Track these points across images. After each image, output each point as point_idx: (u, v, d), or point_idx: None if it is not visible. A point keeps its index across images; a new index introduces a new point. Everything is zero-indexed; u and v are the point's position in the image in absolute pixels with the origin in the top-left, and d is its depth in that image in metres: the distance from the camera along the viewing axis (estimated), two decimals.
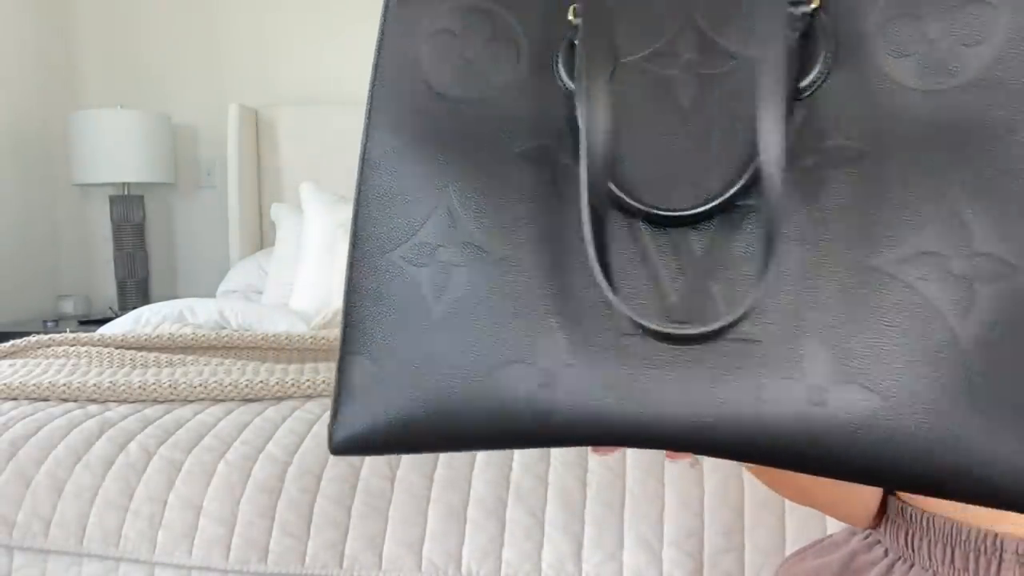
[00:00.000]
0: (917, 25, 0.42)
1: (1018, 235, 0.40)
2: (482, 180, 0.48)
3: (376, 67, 0.48)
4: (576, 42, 0.47)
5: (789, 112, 0.43)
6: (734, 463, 0.93)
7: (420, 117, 0.48)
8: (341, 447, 0.48)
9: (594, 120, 0.45)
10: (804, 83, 0.44)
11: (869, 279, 0.40)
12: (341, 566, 0.91)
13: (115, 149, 2.61)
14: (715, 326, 0.40)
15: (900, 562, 0.63)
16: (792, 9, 0.45)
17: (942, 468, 0.40)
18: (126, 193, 2.73)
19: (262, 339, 1.54)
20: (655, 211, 0.44)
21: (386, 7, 0.48)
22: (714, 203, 0.44)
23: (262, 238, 2.85)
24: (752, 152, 0.45)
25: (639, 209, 0.44)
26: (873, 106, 0.43)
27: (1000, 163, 0.40)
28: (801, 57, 0.45)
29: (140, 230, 2.74)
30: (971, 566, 0.58)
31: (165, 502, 0.96)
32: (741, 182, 0.44)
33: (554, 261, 0.45)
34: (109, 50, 2.93)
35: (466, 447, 0.48)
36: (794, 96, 0.44)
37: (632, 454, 0.96)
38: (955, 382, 0.39)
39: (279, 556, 0.92)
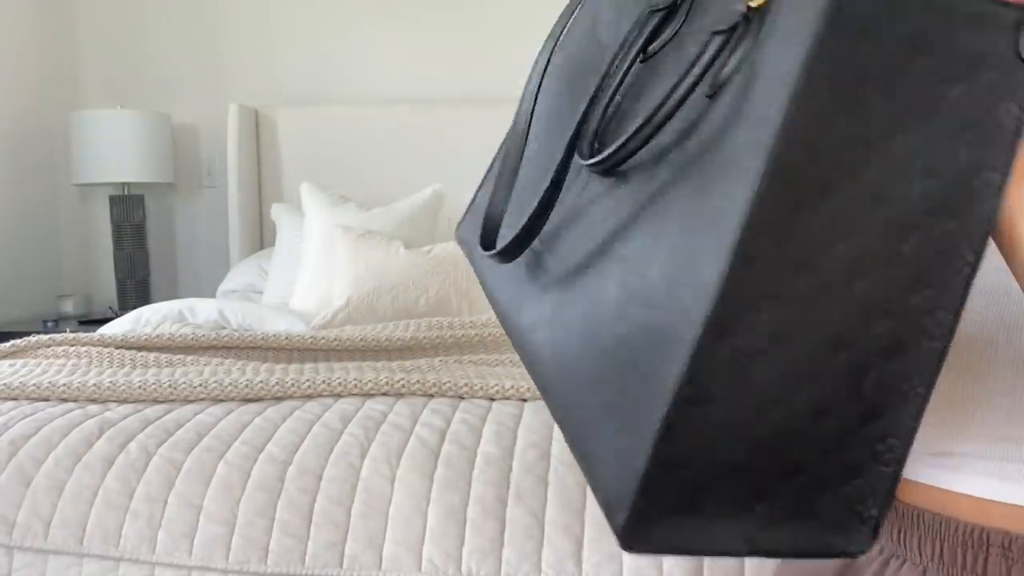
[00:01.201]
0: None
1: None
2: None
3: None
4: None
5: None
6: None
7: None
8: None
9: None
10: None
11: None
12: (341, 566, 0.91)
13: (115, 149, 2.61)
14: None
15: (894, 559, 0.64)
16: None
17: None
18: (126, 193, 2.73)
19: (262, 339, 1.54)
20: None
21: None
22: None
23: (262, 238, 2.85)
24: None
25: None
26: None
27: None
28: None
29: (140, 230, 2.74)
30: (959, 560, 0.59)
31: (165, 502, 0.96)
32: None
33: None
34: (109, 50, 2.93)
35: None
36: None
37: None
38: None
39: (279, 556, 0.92)
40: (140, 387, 1.17)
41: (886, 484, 0.43)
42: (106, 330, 1.90)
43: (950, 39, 0.39)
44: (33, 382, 1.21)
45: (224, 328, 1.94)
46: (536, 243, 0.54)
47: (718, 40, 0.44)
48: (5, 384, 1.20)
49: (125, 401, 1.17)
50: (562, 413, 0.47)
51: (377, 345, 1.55)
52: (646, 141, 0.46)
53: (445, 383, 1.18)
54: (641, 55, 0.51)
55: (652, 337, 0.42)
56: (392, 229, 2.30)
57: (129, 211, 2.71)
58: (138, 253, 2.73)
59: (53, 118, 2.88)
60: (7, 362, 1.43)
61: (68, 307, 2.77)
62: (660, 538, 0.41)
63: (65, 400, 1.18)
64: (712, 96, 0.45)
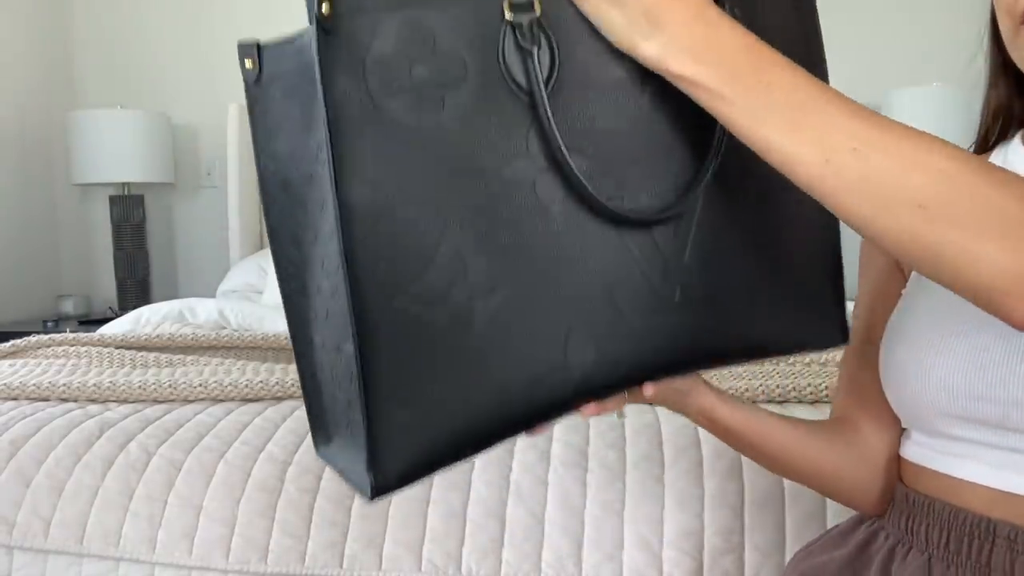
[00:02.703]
0: None
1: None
2: (480, 212, 0.48)
3: (328, 112, 0.45)
4: (519, 40, 0.48)
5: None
6: (732, 464, 0.94)
7: (395, 155, 0.46)
8: (383, 490, 0.49)
9: (554, 127, 0.49)
10: None
11: None
12: (341, 566, 0.91)
13: (115, 149, 2.60)
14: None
15: (900, 546, 0.64)
16: None
17: None
18: (126, 193, 2.73)
19: (262, 339, 1.54)
20: (630, 214, 0.51)
21: (316, 49, 0.45)
22: (675, 210, 0.52)
23: (262, 238, 2.85)
24: (701, 156, 0.53)
25: (613, 213, 0.51)
26: None
27: None
28: None
29: (140, 230, 2.74)
30: (964, 549, 0.59)
31: (165, 502, 0.96)
32: (692, 189, 0.52)
33: (561, 272, 0.51)
34: (109, 50, 2.93)
35: (503, 439, 0.52)
36: None
37: (631, 455, 0.96)
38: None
39: (279, 556, 0.92)
40: (140, 387, 1.18)
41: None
42: (106, 330, 1.90)
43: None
44: (33, 382, 1.21)
45: (224, 328, 1.94)
46: None
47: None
48: (5, 384, 1.20)
49: (125, 401, 1.17)
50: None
51: None
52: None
53: None
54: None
55: None
56: None
57: (129, 211, 2.71)
58: (138, 253, 2.73)
59: (52, 118, 2.87)
60: (7, 362, 1.43)
61: (68, 307, 2.77)
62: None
63: (65, 400, 1.18)
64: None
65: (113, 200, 2.71)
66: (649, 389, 0.57)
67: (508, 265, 0.49)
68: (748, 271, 0.56)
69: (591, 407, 0.55)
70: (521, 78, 0.49)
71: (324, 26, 0.45)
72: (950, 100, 2.29)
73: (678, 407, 0.66)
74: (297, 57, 0.48)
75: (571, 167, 0.49)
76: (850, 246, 0.64)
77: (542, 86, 0.48)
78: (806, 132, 0.44)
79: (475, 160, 0.48)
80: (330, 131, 0.45)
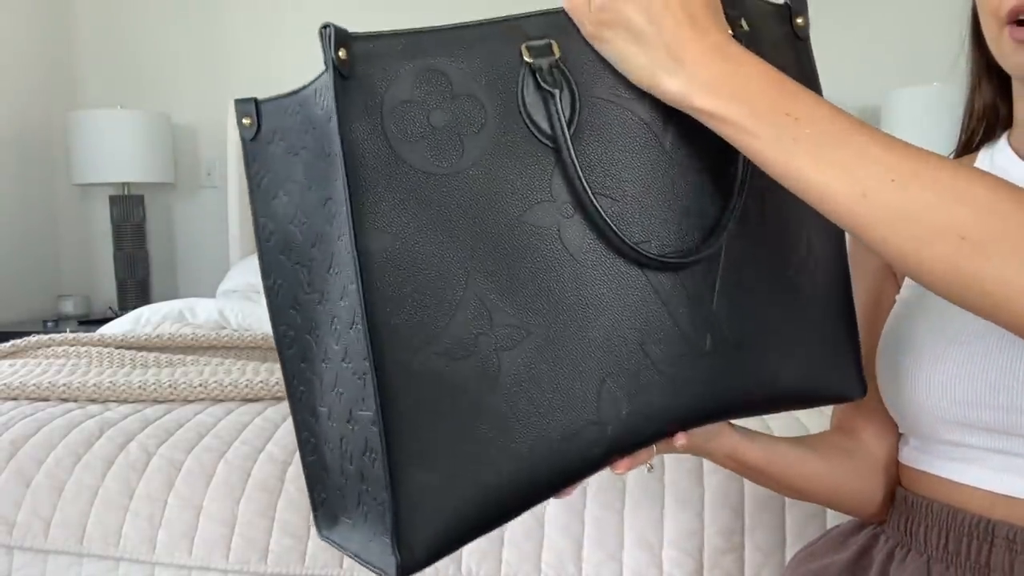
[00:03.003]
0: None
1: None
2: (505, 259, 0.47)
3: (346, 159, 0.44)
4: (540, 83, 0.47)
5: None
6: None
7: (415, 203, 0.45)
8: (410, 568, 0.44)
9: (579, 171, 0.48)
10: None
11: None
12: (341, 566, 0.91)
13: (115, 149, 2.60)
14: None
15: (899, 548, 0.64)
16: None
17: None
18: (126, 193, 2.72)
19: (262, 339, 1.54)
20: (659, 259, 0.50)
21: (334, 95, 0.45)
22: (703, 253, 0.51)
23: None
24: (725, 197, 0.52)
25: (642, 257, 0.49)
26: None
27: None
28: None
29: (140, 230, 2.74)
30: (963, 550, 0.59)
31: (165, 502, 0.96)
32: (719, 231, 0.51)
33: (589, 319, 0.49)
34: (109, 50, 2.93)
35: (533, 505, 0.50)
36: None
37: None
38: None
39: (279, 556, 0.92)
40: (140, 387, 1.17)
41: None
42: (106, 330, 1.90)
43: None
44: (33, 382, 1.21)
45: (224, 328, 1.94)
46: None
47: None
48: (5, 384, 1.20)
49: (125, 401, 1.17)
50: None
51: None
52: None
53: None
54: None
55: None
56: None
57: (129, 211, 2.71)
58: (138, 253, 2.73)
59: (53, 118, 2.87)
60: (7, 362, 1.43)
61: (68, 307, 2.77)
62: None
63: (65, 400, 1.18)
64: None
65: (113, 200, 2.71)
66: (681, 439, 0.55)
67: (535, 314, 0.47)
68: (771, 315, 0.55)
69: (624, 462, 0.53)
70: (543, 122, 0.47)
71: (341, 72, 0.45)
72: (950, 100, 2.29)
73: (704, 452, 0.64)
74: (301, 111, 0.48)
75: (599, 211, 0.47)
76: None
77: (565, 129, 0.47)
78: (839, 165, 0.43)
79: (497, 206, 0.46)
80: (348, 178, 0.43)
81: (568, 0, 0.49)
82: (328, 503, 0.51)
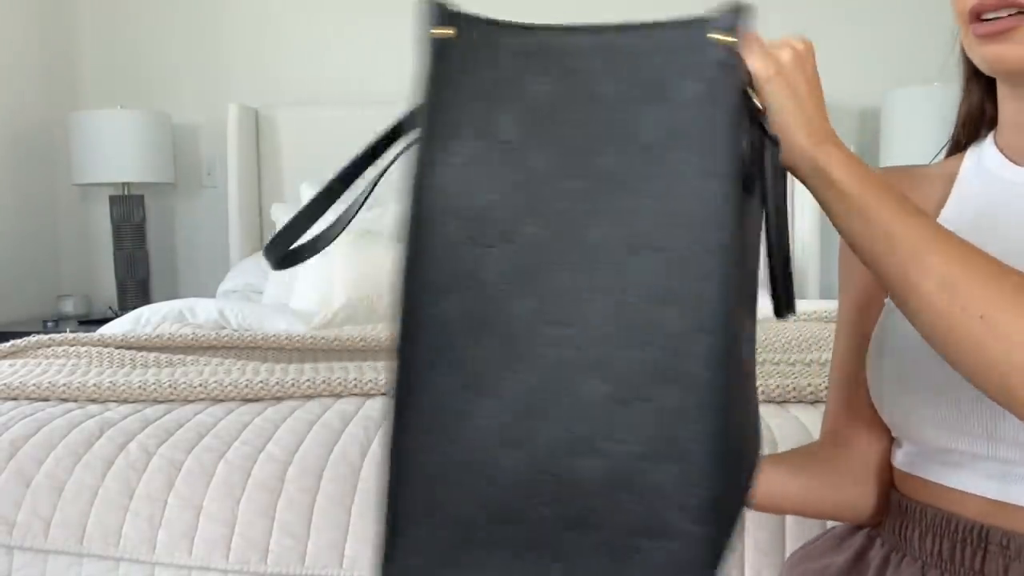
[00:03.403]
0: None
1: None
2: None
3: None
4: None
5: None
6: None
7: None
8: None
9: None
10: None
11: None
12: (341, 566, 0.91)
13: (115, 149, 2.60)
14: None
15: (895, 553, 0.64)
16: None
17: None
18: (126, 193, 2.73)
19: (262, 339, 1.54)
20: None
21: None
22: None
23: (262, 238, 2.85)
24: None
25: None
26: None
27: None
28: None
29: (140, 230, 2.74)
30: (957, 556, 0.59)
31: (165, 502, 0.96)
32: None
33: None
34: (109, 50, 2.93)
35: None
36: None
37: None
38: None
39: (279, 556, 0.92)
40: (140, 387, 1.17)
41: (703, 550, 0.38)
42: (106, 330, 1.90)
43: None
44: (33, 382, 1.21)
45: (224, 328, 1.94)
46: None
47: None
48: (5, 384, 1.20)
49: (125, 401, 1.17)
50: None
51: (377, 345, 1.55)
52: None
53: None
54: None
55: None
56: (392, 229, 2.30)
57: (129, 211, 2.71)
58: (138, 253, 2.73)
59: (53, 118, 2.87)
60: (7, 362, 1.43)
61: (68, 307, 2.77)
62: None
63: (65, 400, 1.18)
64: None
65: (113, 200, 2.71)
66: None
67: None
68: None
69: None
70: None
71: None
72: (949, 100, 2.29)
73: None
74: None
75: None
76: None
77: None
78: (951, 289, 0.47)
79: None
80: None
81: (760, 49, 0.52)
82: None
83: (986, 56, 0.62)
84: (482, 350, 0.41)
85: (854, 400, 0.70)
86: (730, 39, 0.45)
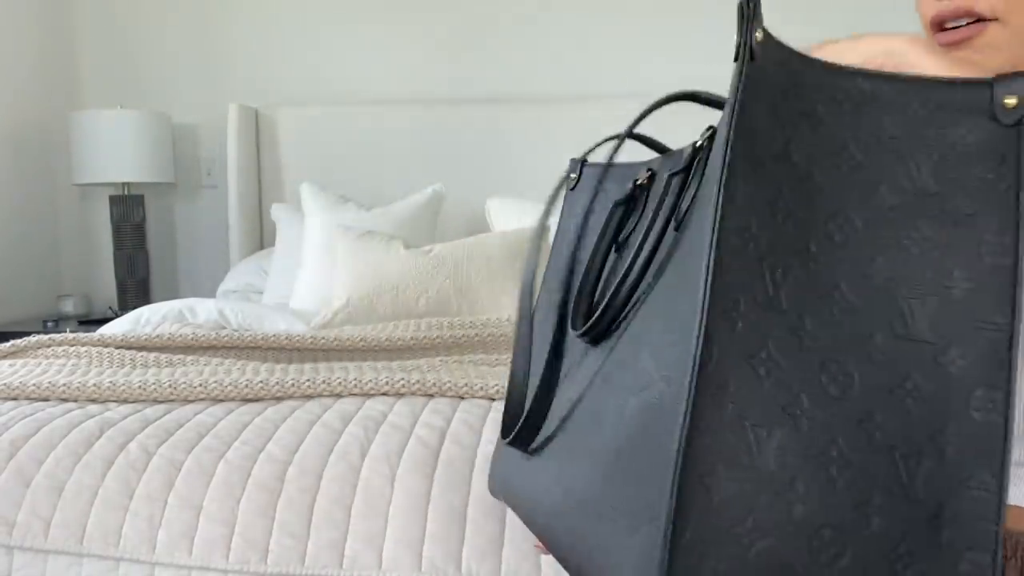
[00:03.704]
0: None
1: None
2: None
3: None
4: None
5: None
6: None
7: None
8: None
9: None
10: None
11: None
12: (341, 566, 0.91)
13: (115, 149, 2.61)
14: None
15: None
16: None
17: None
18: (126, 193, 2.73)
19: (262, 339, 1.54)
20: None
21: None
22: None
23: (262, 238, 2.85)
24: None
25: None
26: None
27: None
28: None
29: (140, 230, 2.74)
30: None
31: (165, 502, 0.96)
32: None
33: None
34: (109, 50, 2.93)
35: None
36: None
37: None
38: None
39: (279, 556, 0.92)
40: (140, 387, 1.17)
41: None
42: (106, 330, 1.90)
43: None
44: (33, 382, 1.21)
45: (224, 328, 1.94)
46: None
47: (676, 180, 0.50)
48: (5, 384, 1.20)
49: (125, 401, 1.17)
50: (570, 542, 0.48)
51: (377, 345, 1.55)
52: (632, 291, 0.50)
53: (445, 383, 1.18)
54: (615, 246, 0.58)
55: (650, 418, 0.42)
56: (392, 229, 2.30)
57: (129, 211, 2.71)
58: (138, 253, 2.73)
59: (53, 118, 2.87)
60: (7, 362, 1.43)
61: (68, 307, 2.77)
62: None
63: (65, 400, 1.18)
64: (678, 228, 0.49)
65: (113, 200, 2.71)
66: None
67: None
68: None
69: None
70: None
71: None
72: None
73: None
74: None
75: None
76: None
77: None
78: None
79: None
80: None
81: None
82: None
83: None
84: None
85: None
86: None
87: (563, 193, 0.64)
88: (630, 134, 0.58)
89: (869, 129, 0.43)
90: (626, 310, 0.51)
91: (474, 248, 2.09)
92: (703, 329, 0.39)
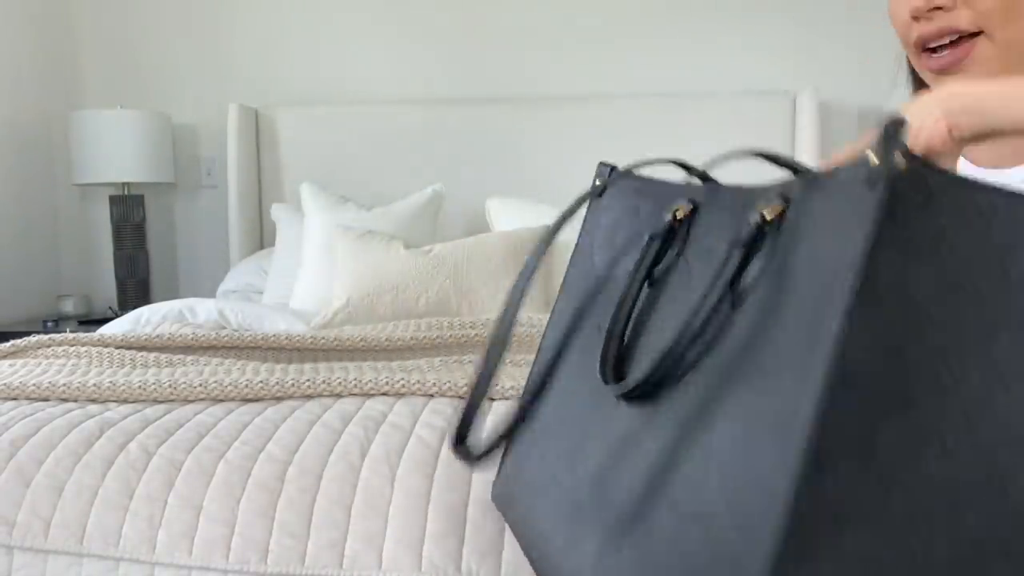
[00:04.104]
0: None
1: None
2: None
3: None
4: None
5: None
6: None
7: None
8: None
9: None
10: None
11: None
12: (341, 566, 0.91)
13: (115, 149, 2.61)
14: None
15: None
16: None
17: None
18: (126, 193, 2.73)
19: (262, 339, 1.54)
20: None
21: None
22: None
23: (262, 238, 2.85)
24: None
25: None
26: None
27: None
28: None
29: (140, 230, 2.74)
30: None
31: (165, 502, 0.96)
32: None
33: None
34: (109, 50, 2.93)
35: None
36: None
37: None
38: None
39: (279, 556, 0.92)
40: (140, 387, 1.17)
41: None
42: (106, 330, 1.90)
43: None
44: (33, 382, 1.21)
45: (224, 328, 1.94)
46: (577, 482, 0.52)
47: (738, 253, 0.45)
48: (5, 384, 1.20)
49: (125, 401, 1.17)
50: None
51: (377, 345, 1.55)
52: (677, 362, 0.46)
53: (445, 383, 1.18)
54: (648, 280, 0.55)
55: (714, 565, 0.37)
56: (392, 229, 2.30)
57: (129, 211, 2.71)
58: (138, 253, 2.73)
59: (53, 118, 2.87)
60: (7, 362, 1.43)
61: (68, 307, 2.77)
62: None
63: (65, 400, 1.18)
64: (735, 306, 0.45)
65: (113, 200, 2.71)
66: None
67: None
68: None
69: None
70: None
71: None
72: None
73: None
74: None
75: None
76: None
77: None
78: None
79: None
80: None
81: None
82: None
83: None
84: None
85: None
86: None
87: (588, 201, 0.63)
88: (702, 175, 0.56)
89: (998, 260, 0.38)
90: (670, 378, 0.48)
91: (474, 248, 2.09)
92: (793, 492, 0.34)
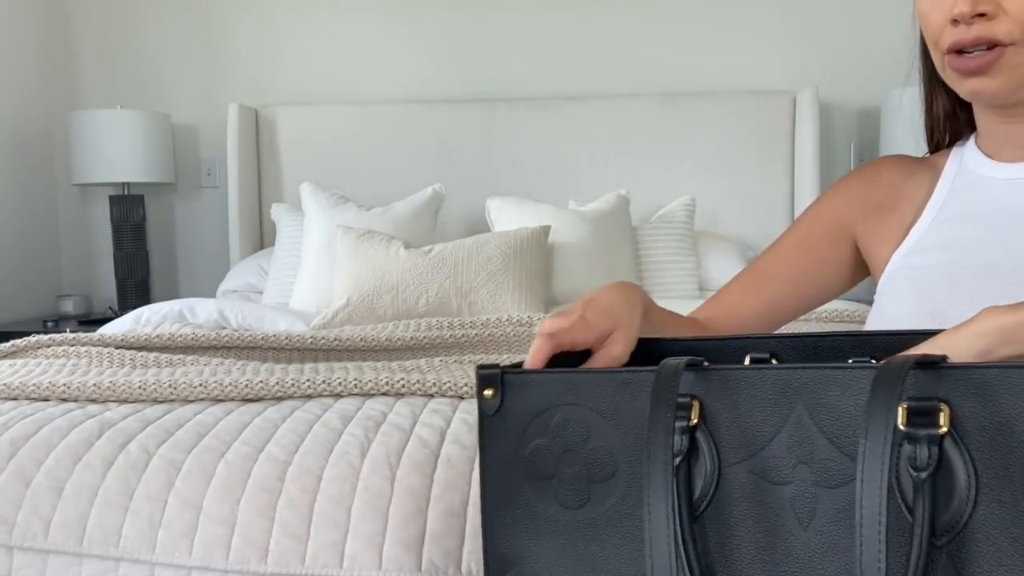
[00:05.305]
0: None
1: None
2: None
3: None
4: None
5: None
6: None
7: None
8: None
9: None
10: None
11: None
12: (341, 566, 0.91)
13: (115, 149, 2.61)
14: None
15: None
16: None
17: None
18: (126, 193, 2.73)
19: (262, 339, 1.54)
20: None
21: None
22: None
23: (262, 238, 2.85)
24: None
25: None
26: None
27: None
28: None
29: (140, 230, 2.74)
30: None
31: (165, 502, 0.96)
32: None
33: None
34: (109, 50, 2.93)
35: None
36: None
37: None
38: None
39: (279, 556, 0.92)
40: (140, 387, 1.17)
41: None
42: (106, 330, 1.90)
43: None
44: (33, 382, 1.21)
45: (224, 328, 1.94)
46: None
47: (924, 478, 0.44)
48: (5, 384, 1.20)
49: (125, 401, 1.17)
50: None
51: (377, 345, 1.55)
52: None
53: (445, 383, 1.18)
54: (689, 512, 0.50)
55: None
56: (392, 229, 2.30)
57: (129, 211, 2.71)
58: (138, 253, 2.73)
59: (53, 118, 2.87)
60: (7, 362, 1.43)
61: (68, 307, 2.77)
62: None
63: (65, 400, 1.18)
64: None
65: (113, 200, 2.71)
66: None
67: None
68: None
69: None
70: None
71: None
72: None
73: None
74: None
75: None
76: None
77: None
78: None
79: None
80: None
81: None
82: None
83: (965, 89, 0.70)
84: None
85: (736, 309, 0.84)
86: None
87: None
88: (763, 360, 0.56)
89: None
90: None
91: (474, 248, 2.09)
92: None
